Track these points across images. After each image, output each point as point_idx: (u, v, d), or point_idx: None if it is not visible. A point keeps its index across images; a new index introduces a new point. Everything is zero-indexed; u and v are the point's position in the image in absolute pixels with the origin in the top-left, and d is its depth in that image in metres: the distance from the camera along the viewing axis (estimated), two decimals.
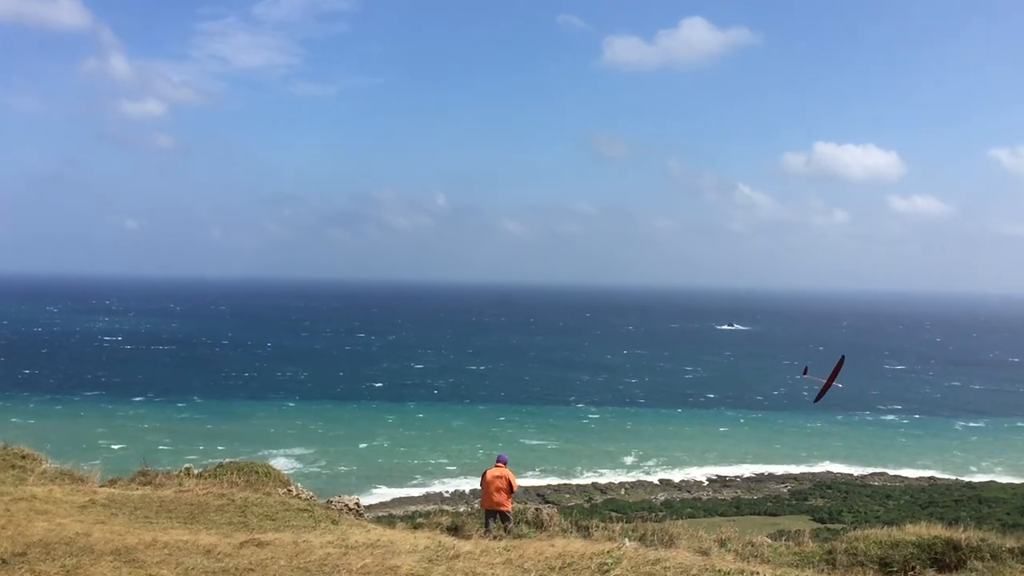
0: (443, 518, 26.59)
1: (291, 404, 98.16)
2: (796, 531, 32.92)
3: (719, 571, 8.84)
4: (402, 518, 45.48)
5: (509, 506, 19.96)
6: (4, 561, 9.49)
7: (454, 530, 21.32)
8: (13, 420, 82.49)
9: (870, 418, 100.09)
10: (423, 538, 14.85)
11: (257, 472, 25.44)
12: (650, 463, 76.14)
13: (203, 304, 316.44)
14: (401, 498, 64.60)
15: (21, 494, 17.89)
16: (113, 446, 71.36)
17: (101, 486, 22.20)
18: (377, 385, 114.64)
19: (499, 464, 20.00)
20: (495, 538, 17.27)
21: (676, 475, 72.62)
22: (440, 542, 13.29)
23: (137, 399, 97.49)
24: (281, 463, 63.56)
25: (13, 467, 22.56)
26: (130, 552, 10.61)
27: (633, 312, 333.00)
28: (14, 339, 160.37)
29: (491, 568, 9.52)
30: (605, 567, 9.26)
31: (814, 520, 57.45)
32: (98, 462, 27.31)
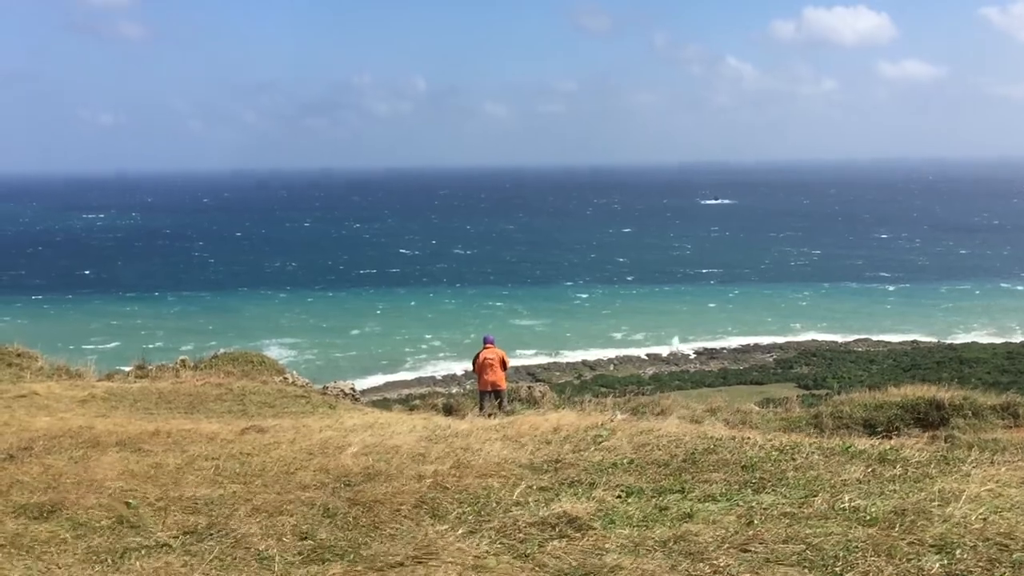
0: (437, 400, 27.22)
1: (282, 295, 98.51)
2: (783, 398, 33.84)
3: (711, 438, 9.09)
4: (396, 401, 46.34)
5: (504, 384, 20.37)
6: (11, 456, 9.65)
7: (449, 410, 21.82)
8: (5, 319, 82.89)
9: (856, 286, 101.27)
10: (419, 419, 15.18)
11: (252, 362, 25.80)
12: (637, 337, 77.32)
13: (186, 198, 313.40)
14: (394, 382, 65.66)
15: (20, 391, 18.11)
16: (107, 344, 71.72)
17: (99, 380, 22.52)
18: (366, 272, 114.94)
19: (488, 344, 20.27)
20: (490, 416, 17.69)
21: (663, 349, 73.88)
22: (436, 422, 13.60)
23: (127, 295, 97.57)
24: (275, 352, 64.19)
25: (10, 365, 22.79)
26: (134, 442, 10.81)
27: (618, 190, 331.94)
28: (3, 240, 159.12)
29: (488, 443, 9.74)
30: (600, 438, 9.49)
31: (800, 387, 58.80)
32: (94, 358, 27.50)
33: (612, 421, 11.64)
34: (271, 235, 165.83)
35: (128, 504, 7.06)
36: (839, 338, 76.07)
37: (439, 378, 66.96)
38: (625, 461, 8.17)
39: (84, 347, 64.62)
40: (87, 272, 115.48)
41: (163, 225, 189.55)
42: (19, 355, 23.67)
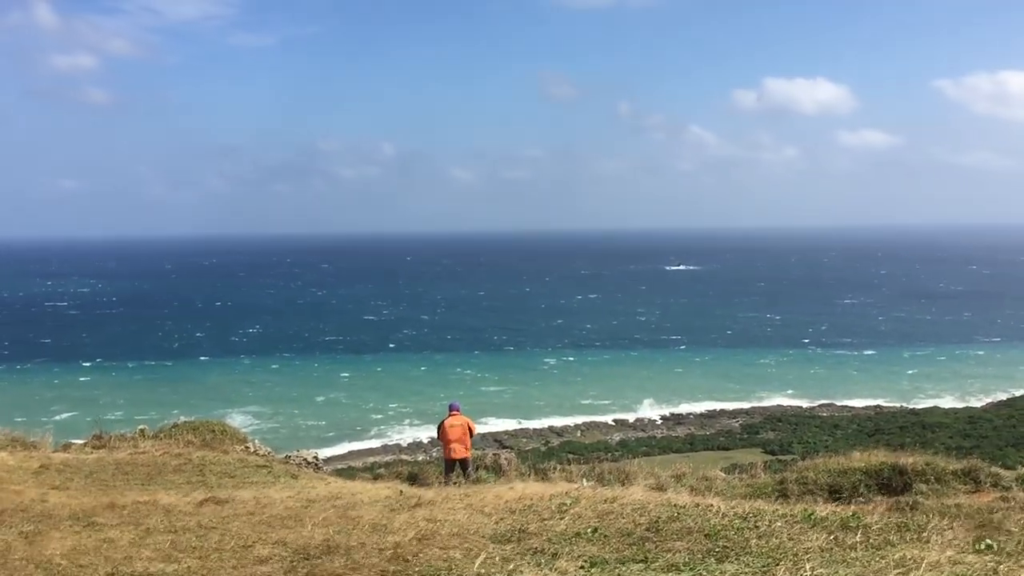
0: (403, 468, 26.86)
1: (246, 362, 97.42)
2: (749, 464, 33.81)
3: (674, 505, 9.06)
4: (361, 470, 45.69)
5: (469, 452, 20.18)
6: None
7: (414, 479, 21.51)
8: None
9: (820, 352, 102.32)
10: (384, 488, 14.99)
11: (213, 431, 25.31)
12: (605, 403, 77.22)
13: (148, 264, 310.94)
14: (360, 450, 64.84)
15: None
16: (63, 414, 70.20)
17: (54, 451, 21.97)
18: (331, 339, 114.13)
19: (454, 412, 20.12)
20: (455, 484, 17.48)
21: (631, 415, 73.80)
22: (401, 491, 13.43)
23: (86, 364, 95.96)
24: (238, 421, 63.22)
25: None
26: (88, 515, 10.55)
27: (584, 256, 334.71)
28: None
29: (452, 513, 9.64)
30: (564, 507, 9.43)
31: (766, 452, 58.90)
32: (51, 427, 26.85)
33: (577, 489, 11.58)
34: (235, 302, 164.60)
35: None
36: (804, 403, 76.53)
37: (404, 446, 66.28)
38: (589, 530, 8.11)
39: (41, 418, 62.98)
40: (46, 341, 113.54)
41: (124, 292, 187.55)
42: None
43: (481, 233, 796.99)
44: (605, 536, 7.90)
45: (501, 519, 8.93)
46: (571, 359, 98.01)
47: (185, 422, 25.78)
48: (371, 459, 60.64)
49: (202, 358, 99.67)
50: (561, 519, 8.72)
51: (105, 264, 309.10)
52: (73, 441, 25.21)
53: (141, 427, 25.50)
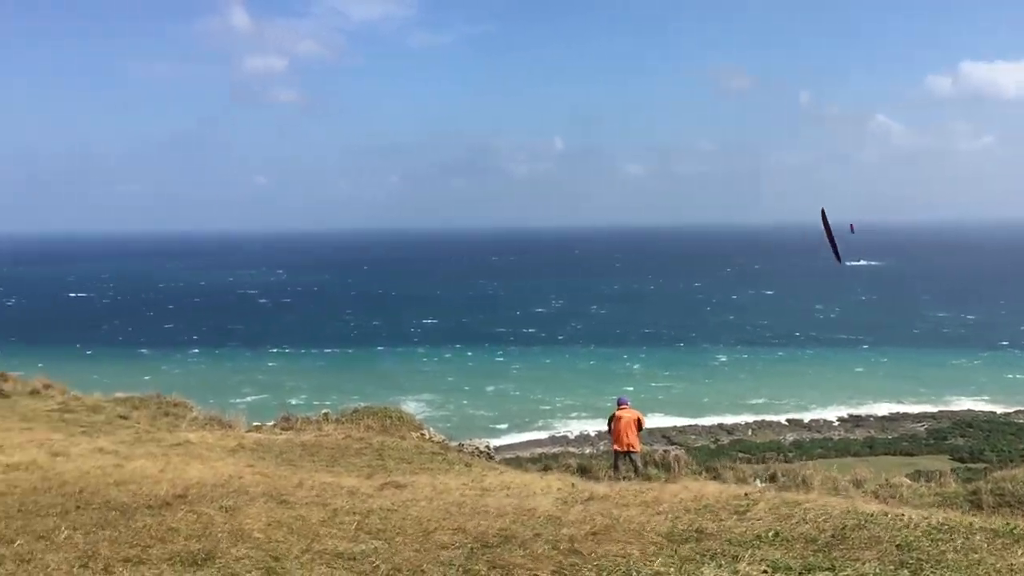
0: (571, 460, 26.98)
1: (420, 351, 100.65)
2: (936, 471, 31.85)
3: (861, 513, 8.63)
4: (529, 460, 46.08)
5: (639, 446, 20.07)
6: (167, 503, 10.12)
7: (584, 472, 21.56)
8: (163, 368, 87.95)
9: (1020, 355, 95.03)
10: (554, 480, 15.07)
11: (391, 417, 26.31)
12: (779, 403, 74.77)
13: (331, 256, 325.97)
14: (528, 441, 65.65)
15: (176, 439, 19.05)
16: (251, 396, 74.76)
17: (247, 431, 23.44)
18: (502, 331, 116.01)
19: (624, 405, 20.09)
20: (624, 478, 17.40)
21: (806, 415, 71.13)
22: (573, 484, 13.47)
23: (273, 350, 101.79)
24: (411, 408, 65.17)
25: (167, 414, 24.04)
26: (280, 494, 11.15)
27: (758, 250, 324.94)
28: (157, 295, 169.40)
29: (626, 509, 9.57)
30: (741, 508, 9.18)
31: (954, 459, 55.42)
32: (242, 408, 28.62)
33: (755, 491, 11.26)
34: (411, 293, 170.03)
35: (274, 557, 7.27)
36: (999, 409, 71.38)
37: (572, 438, 66.61)
38: (770, 534, 7.85)
39: (231, 399, 67.60)
40: (238, 327, 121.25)
41: (309, 283, 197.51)
42: (176, 405, 24.97)
43: (652, 227, 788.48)
44: (787, 541, 7.62)
45: (677, 518, 8.79)
46: (744, 356, 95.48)
47: (365, 408, 26.90)
48: (538, 450, 61.30)
49: (379, 348, 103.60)
50: (740, 521, 8.49)
51: (293, 256, 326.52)
52: (263, 423, 26.86)
53: (324, 411, 26.82)
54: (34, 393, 24.22)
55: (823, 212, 22.31)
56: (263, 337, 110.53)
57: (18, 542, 7.51)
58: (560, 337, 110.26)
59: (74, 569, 6.59)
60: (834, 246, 22.63)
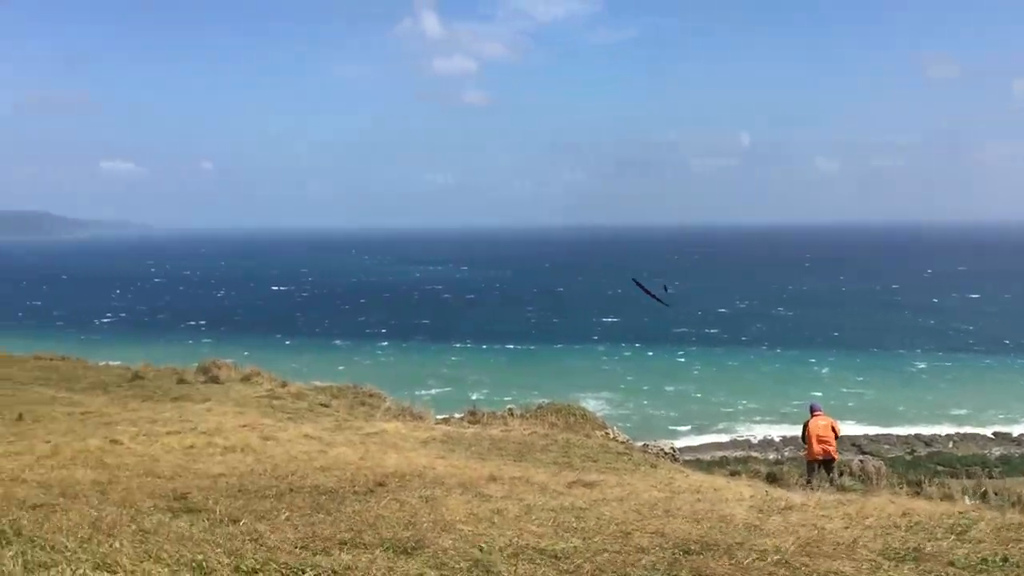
0: (759, 466, 26.21)
1: (600, 349, 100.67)
2: None
3: None
4: (711, 463, 45.26)
5: (836, 454, 19.27)
6: (371, 490, 10.59)
7: (773, 479, 20.88)
8: (355, 359, 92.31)
9: None
10: (744, 486, 14.66)
11: (574, 414, 26.51)
12: (984, 415, 69.63)
13: (513, 253, 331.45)
14: (709, 443, 64.27)
15: (373, 428, 19.93)
16: (435, 389, 77.03)
17: (437, 423, 24.23)
18: (682, 331, 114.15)
19: (817, 412, 19.34)
20: (817, 489, 16.69)
21: (1015, 428, 65.88)
22: (767, 492, 13.05)
23: (456, 344, 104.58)
24: (591, 406, 65.37)
25: (363, 404, 25.25)
26: (474, 486, 11.41)
27: (964, 250, 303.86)
28: (350, 289, 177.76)
29: (828, 521, 9.16)
30: (958, 528, 8.56)
31: None
32: (428, 401, 29.54)
33: (970, 509, 10.54)
34: (591, 290, 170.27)
35: (480, 549, 7.43)
36: None
37: (755, 442, 64.67)
38: (997, 559, 7.28)
39: (417, 391, 70.06)
40: (424, 321, 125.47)
41: (492, 279, 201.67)
42: (371, 395, 26.17)
43: (844, 224, 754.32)
44: (1019, 568, 7.05)
45: (887, 534, 8.32)
46: (945, 364, 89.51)
47: (549, 405, 27.21)
48: (719, 453, 59.95)
49: (558, 345, 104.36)
50: (959, 542, 7.93)
51: (474, 253, 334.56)
52: (450, 415, 27.65)
53: (509, 407, 27.33)
54: (245, 380, 26.02)
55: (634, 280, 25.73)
56: (447, 332, 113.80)
57: (243, 521, 8.04)
58: (743, 338, 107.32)
59: (295, 549, 6.97)
60: (654, 295, 25.21)
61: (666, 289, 28.21)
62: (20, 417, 18.98)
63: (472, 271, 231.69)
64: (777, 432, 64.76)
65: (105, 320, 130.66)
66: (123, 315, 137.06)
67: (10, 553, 6.06)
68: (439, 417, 26.39)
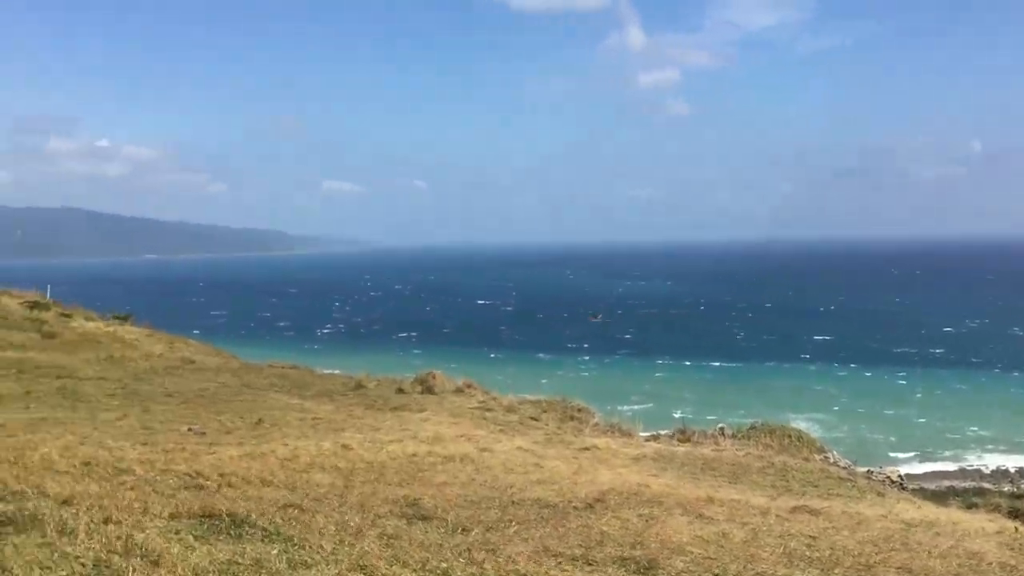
0: (999, 499, 24.14)
1: (811, 368, 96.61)
2: None
3: None
4: (937, 494, 42.25)
5: None
6: (590, 506, 10.61)
7: (1016, 514, 19.17)
8: (558, 373, 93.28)
9: None
10: (986, 521, 13.57)
11: (790, 436, 25.47)
12: None
13: (716, 268, 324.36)
14: (934, 472, 60.19)
15: (583, 444, 19.98)
16: (638, 405, 76.32)
17: (646, 440, 23.99)
18: (902, 351, 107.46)
19: None
20: None
21: None
22: (1016, 528, 12.01)
23: (660, 360, 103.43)
24: (801, 427, 62.73)
25: (572, 418, 25.38)
26: (693, 506, 11.19)
27: None
28: (552, 303, 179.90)
29: None
30: None
31: None
32: (633, 417, 29.30)
33: None
34: (802, 306, 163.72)
35: (715, 574, 7.27)
36: None
37: (987, 472, 59.95)
38: None
39: (620, 406, 69.69)
40: (627, 336, 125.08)
41: (697, 294, 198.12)
42: (579, 410, 26.28)
43: None
44: None
45: None
46: None
47: (763, 425, 26.31)
48: (946, 483, 56.00)
49: (767, 363, 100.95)
50: None
51: (677, 267, 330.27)
52: (657, 432, 27.31)
53: (720, 426, 26.64)
54: (458, 392, 26.86)
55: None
56: (650, 347, 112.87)
57: (474, 531, 8.28)
58: (974, 360, 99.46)
59: (530, 564, 7.08)
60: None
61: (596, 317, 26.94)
62: (259, 421, 20.49)
63: (676, 286, 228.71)
64: (1013, 463, 59.79)
65: (326, 330, 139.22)
66: (341, 327, 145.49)
67: (274, 551, 6.53)
68: (647, 434, 26.13)
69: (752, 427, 25.99)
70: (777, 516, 11.29)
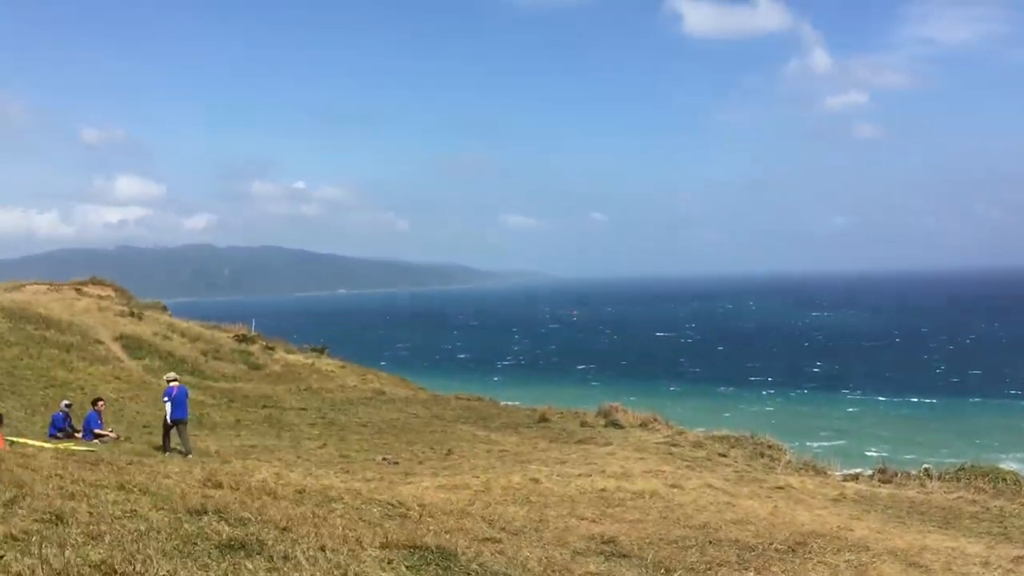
0: None
1: (1023, 403, 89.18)
2: None
3: None
4: None
5: None
6: (791, 549, 10.21)
7: None
8: (740, 407, 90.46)
9: None
10: None
11: (1004, 479, 23.54)
12: None
13: (916, 297, 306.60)
14: None
15: (776, 482, 19.28)
16: (827, 442, 72.81)
17: (843, 480, 22.85)
18: None
19: None
20: None
21: None
22: None
23: (850, 395, 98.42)
24: (1014, 468, 57.96)
25: (762, 455, 24.55)
26: (904, 554, 10.56)
27: None
28: (733, 334, 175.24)
29: None
30: None
31: None
32: (820, 452, 28.01)
33: None
34: (1015, 338, 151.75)
35: None
36: None
37: None
38: None
39: (808, 443, 66.76)
40: (813, 369, 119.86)
41: (892, 324, 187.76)
42: (770, 447, 25.40)
43: None
44: None
45: None
46: None
47: (972, 466, 24.53)
48: None
49: (971, 399, 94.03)
50: None
51: (872, 297, 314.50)
52: (857, 471, 25.93)
53: (925, 466, 25.09)
54: (643, 426, 26.61)
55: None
56: (840, 380, 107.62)
57: (677, 572, 8.14)
58: None
59: None
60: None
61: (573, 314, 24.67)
62: (449, 452, 21.06)
63: (870, 317, 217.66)
64: None
65: (506, 362, 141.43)
66: (521, 359, 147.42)
67: None
68: (843, 472, 24.92)
69: (961, 468, 24.26)
70: (997, 566, 10.50)
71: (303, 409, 30.13)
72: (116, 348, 36.22)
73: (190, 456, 19.29)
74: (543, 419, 28.54)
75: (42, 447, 16.44)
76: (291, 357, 43.27)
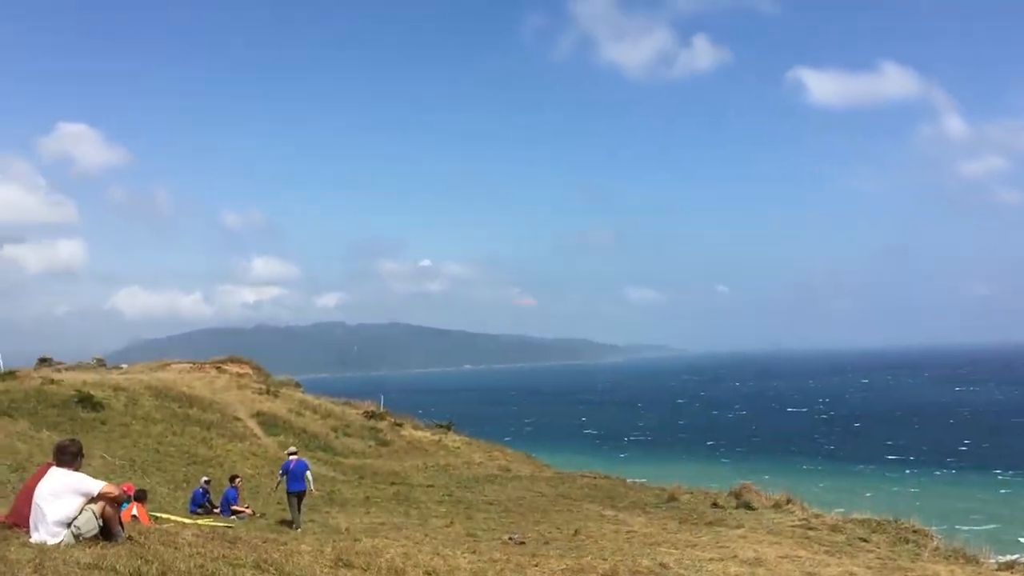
0: None
1: None
2: None
3: None
4: None
5: None
6: None
7: None
8: (880, 487, 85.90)
9: None
10: None
11: None
12: None
13: None
14: None
15: (923, 571, 18.17)
16: (980, 526, 68.26)
17: (997, 568, 21.32)
18: None
19: None
20: None
21: None
22: None
23: (1002, 475, 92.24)
24: None
25: (906, 541, 23.19)
26: None
27: None
28: (869, 410, 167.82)
29: None
30: None
31: None
32: (969, 536, 26.32)
33: None
34: None
35: None
36: None
37: None
38: None
39: (956, 526, 62.68)
40: (962, 448, 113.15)
41: None
42: (915, 531, 23.98)
43: None
44: None
45: None
46: None
47: None
48: None
49: None
50: None
51: (1019, 370, 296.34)
52: (1014, 558, 24.14)
53: None
54: (776, 507, 25.62)
55: None
56: (991, 459, 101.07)
57: None
58: None
59: None
60: None
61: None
62: (576, 533, 20.80)
63: (1019, 390, 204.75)
64: None
65: (632, 437, 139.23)
66: (648, 435, 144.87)
67: None
68: (997, 559, 23.26)
69: None
70: None
71: (430, 486, 30.41)
72: (253, 425, 37.62)
73: (299, 530, 19.78)
74: (672, 498, 27.89)
75: (183, 523, 17.15)
76: (418, 433, 43.92)
